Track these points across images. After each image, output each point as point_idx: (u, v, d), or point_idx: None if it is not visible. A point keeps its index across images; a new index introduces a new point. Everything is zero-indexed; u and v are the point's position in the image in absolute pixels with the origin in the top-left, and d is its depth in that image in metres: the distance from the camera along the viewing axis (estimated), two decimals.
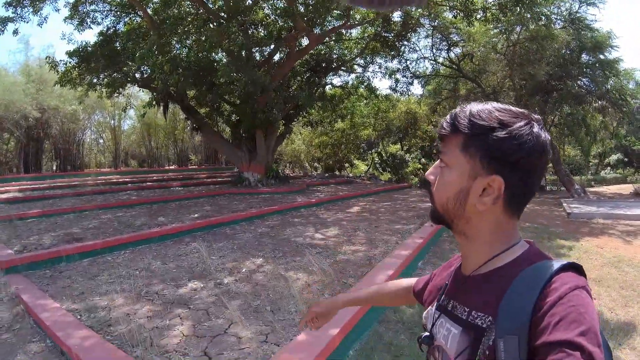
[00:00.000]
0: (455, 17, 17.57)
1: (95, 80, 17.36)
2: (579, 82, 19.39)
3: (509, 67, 19.26)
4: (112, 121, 28.51)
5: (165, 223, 10.05)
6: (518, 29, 17.70)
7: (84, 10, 16.78)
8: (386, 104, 25.30)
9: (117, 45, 16.18)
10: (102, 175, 23.26)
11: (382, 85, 71.44)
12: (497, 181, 0.94)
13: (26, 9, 15.10)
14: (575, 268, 0.91)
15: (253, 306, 5.15)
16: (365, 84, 22.93)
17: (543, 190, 22.10)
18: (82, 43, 16.36)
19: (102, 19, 17.50)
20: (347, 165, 30.51)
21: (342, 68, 22.08)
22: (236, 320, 4.65)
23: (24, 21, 15.35)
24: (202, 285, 6.02)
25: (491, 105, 0.98)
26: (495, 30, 18.66)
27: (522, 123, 0.93)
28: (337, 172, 29.03)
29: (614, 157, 36.82)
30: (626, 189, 22.73)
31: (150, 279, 6.34)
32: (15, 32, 15.69)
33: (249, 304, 5.23)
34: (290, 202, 14.04)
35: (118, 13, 17.50)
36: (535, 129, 0.94)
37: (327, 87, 22.95)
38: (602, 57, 18.13)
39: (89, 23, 17.26)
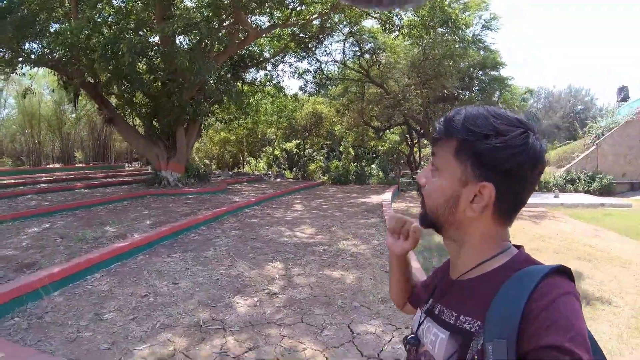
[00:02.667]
0: (382, 28, 17.59)
1: None
2: (472, 93, 21.88)
3: (420, 78, 20.13)
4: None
5: (122, 234, 8.13)
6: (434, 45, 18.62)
7: None
8: (293, 103, 24.59)
9: (22, 13, 12.84)
10: None
11: (290, 84, 71.02)
12: (488, 188, 0.90)
13: None
14: (564, 272, 0.86)
15: (352, 306, 4.93)
16: (274, 82, 22.13)
17: None
18: None
19: None
20: (245, 162, 29.18)
21: (261, 65, 21.01)
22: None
23: None
24: (256, 299, 5.23)
25: (487, 111, 0.92)
26: (408, 43, 19.38)
27: (517, 132, 0.89)
28: (239, 170, 27.77)
29: None
30: None
31: (179, 305, 5.03)
32: None
33: (341, 305, 4.96)
34: (227, 202, 12.79)
35: None
36: (531, 139, 0.89)
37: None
38: (496, 74, 20.96)
39: None
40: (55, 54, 13.82)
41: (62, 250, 6.95)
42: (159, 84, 15.90)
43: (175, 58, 12.70)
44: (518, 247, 0.99)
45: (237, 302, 5.13)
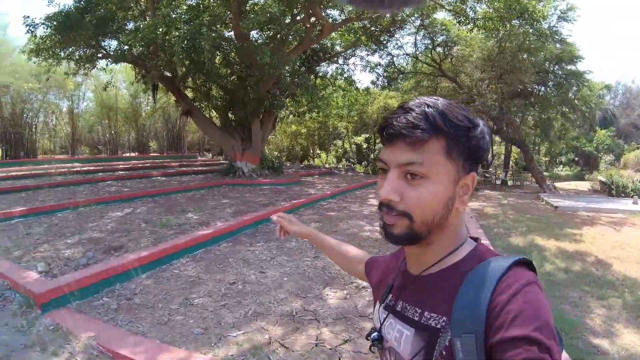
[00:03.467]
0: (457, 21, 16.93)
1: (69, 52, 14.88)
2: (548, 89, 20.94)
3: (494, 72, 19.41)
4: (69, 103, 24.84)
5: (205, 221, 8.21)
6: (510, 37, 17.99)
7: None
8: (365, 97, 24.23)
9: (100, 12, 13.62)
10: (61, 163, 20.28)
11: (362, 78, 71.57)
12: (473, 178, 0.92)
13: None
14: (526, 263, 0.87)
15: None
16: (345, 75, 21.86)
17: (505, 185, 23.29)
18: (64, 7, 13.71)
19: None
20: (315, 155, 29.30)
21: (333, 59, 20.76)
22: None
23: None
24: (345, 292, 5.09)
25: (448, 102, 0.91)
26: (482, 35, 18.70)
27: (482, 121, 0.92)
28: (308, 163, 27.94)
29: (565, 157, 38.02)
30: (582, 185, 24.17)
31: (269, 293, 4.99)
32: None
33: None
34: (303, 194, 12.75)
35: None
36: (487, 126, 0.92)
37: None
38: (573, 68, 19.93)
39: None
40: (134, 50, 14.35)
41: (148, 235, 7.08)
42: (235, 78, 16.14)
43: (255, 52, 12.85)
44: (475, 239, 0.98)
45: (327, 294, 4.97)
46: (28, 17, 13.58)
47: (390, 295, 1.06)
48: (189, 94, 17.81)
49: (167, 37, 12.11)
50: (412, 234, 0.90)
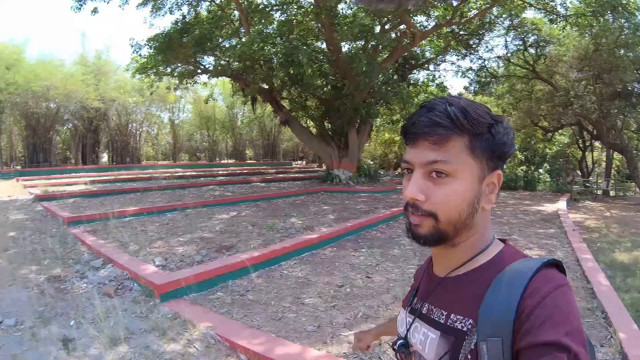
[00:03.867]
0: (548, 19, 16.33)
1: (171, 69, 16.18)
2: None
3: (592, 71, 17.88)
4: (170, 114, 26.92)
5: (309, 226, 8.31)
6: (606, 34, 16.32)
7: None
8: None
9: (197, 32, 14.61)
10: (164, 168, 21.66)
11: (454, 83, 70.04)
12: (499, 176, 0.90)
13: None
14: (556, 265, 0.84)
15: None
16: (437, 82, 21.36)
17: (607, 195, 21.40)
18: (164, 29, 14.93)
19: (178, 5, 15.84)
20: None
21: (423, 66, 20.52)
22: None
23: (104, 1, 13.85)
24: None
25: (469, 101, 0.88)
26: (575, 33, 17.36)
27: (503, 117, 0.90)
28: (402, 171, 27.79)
29: None
30: None
31: (376, 298, 4.88)
32: (95, 11, 14.28)
33: None
34: (402, 202, 12.29)
35: (190, 1, 15.84)
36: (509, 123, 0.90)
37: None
38: None
39: (164, 10, 15.76)
40: (232, 65, 15.16)
41: (256, 237, 7.24)
42: (329, 88, 16.37)
43: (352, 62, 12.93)
44: (503, 240, 0.95)
45: None
46: (133, 39, 14.90)
47: (416, 298, 1.04)
48: (286, 104, 18.35)
49: (263, 52, 12.55)
50: (438, 234, 0.88)
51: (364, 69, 12.52)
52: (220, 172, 19.89)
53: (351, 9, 14.98)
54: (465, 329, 0.84)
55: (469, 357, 0.81)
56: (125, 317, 4.17)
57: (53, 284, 5.01)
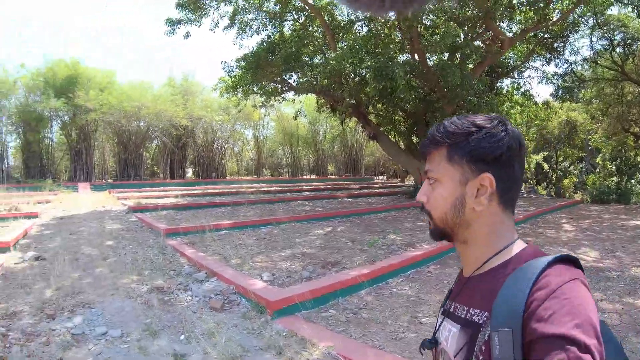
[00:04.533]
0: (638, 15, 15.10)
1: (258, 87, 16.67)
2: None
3: None
4: (254, 131, 27.76)
5: (410, 242, 7.96)
6: None
7: (242, 19, 16.02)
8: (546, 112, 21.80)
9: (281, 51, 14.99)
10: (247, 183, 22.11)
11: (539, 90, 66.90)
12: (488, 178, 0.94)
13: (197, 12, 14.39)
14: (570, 260, 0.87)
15: None
16: (522, 90, 20.04)
17: None
18: (252, 49, 15.58)
19: (263, 26, 16.57)
20: None
21: (510, 74, 19.50)
22: None
23: (196, 25, 14.61)
24: None
25: (464, 117, 0.99)
26: None
27: (495, 123, 0.95)
28: None
29: None
30: None
31: None
32: (187, 35, 14.97)
33: None
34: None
35: (274, 21, 16.40)
36: (508, 126, 0.96)
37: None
38: None
39: (250, 31, 16.54)
40: (320, 82, 15.18)
41: (359, 253, 7.02)
42: (418, 101, 15.99)
43: (445, 75, 12.61)
44: (526, 241, 0.98)
45: None
46: (225, 61, 15.63)
47: (448, 300, 1.08)
48: (373, 119, 18.25)
49: (354, 67, 12.48)
50: (436, 230, 1.01)
51: (458, 81, 12.16)
52: (304, 187, 19.96)
53: (436, 19, 14.70)
54: (481, 321, 0.88)
55: (483, 348, 0.83)
56: (237, 333, 4.05)
57: (157, 295, 5.02)
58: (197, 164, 25.13)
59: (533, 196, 21.59)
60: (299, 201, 14.70)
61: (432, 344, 1.06)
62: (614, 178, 20.96)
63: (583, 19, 17.14)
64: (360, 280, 5.33)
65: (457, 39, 12.35)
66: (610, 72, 20.38)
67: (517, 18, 15.58)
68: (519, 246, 0.96)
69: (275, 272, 5.80)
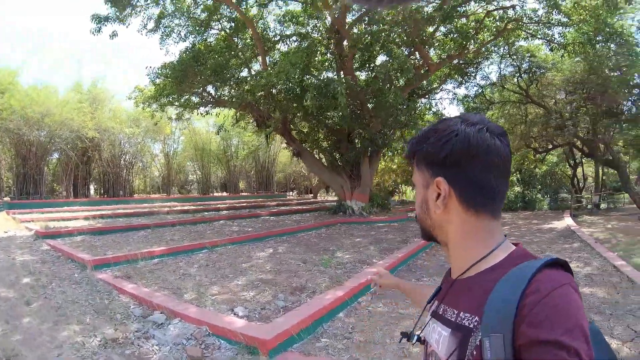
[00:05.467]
0: (550, 48, 16.99)
1: (184, 99, 15.77)
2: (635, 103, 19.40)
3: (585, 94, 18.56)
4: (164, 146, 26.09)
5: (361, 259, 7.88)
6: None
7: (167, 23, 14.97)
8: None
9: (208, 61, 14.32)
10: (159, 202, 20.83)
11: (450, 110, 70.61)
12: (440, 182, 0.94)
13: (125, 10, 13.21)
14: (560, 265, 0.86)
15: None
16: (434, 110, 21.39)
17: (597, 208, 21.91)
18: (179, 56, 14.57)
19: (187, 34, 15.48)
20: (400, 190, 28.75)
21: (428, 95, 20.57)
22: None
23: (124, 24, 13.47)
24: None
25: (430, 125, 1.01)
26: (570, 60, 17.94)
27: (443, 126, 0.94)
28: (400, 198, 27.46)
29: None
30: None
31: None
32: (114, 34, 13.77)
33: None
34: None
35: (199, 29, 15.39)
36: (463, 126, 0.92)
37: None
38: None
39: (176, 37, 15.45)
40: (250, 96, 14.56)
41: (319, 275, 6.76)
42: (346, 119, 16.07)
43: (381, 95, 13.17)
44: (516, 244, 0.98)
45: None
46: (150, 66, 14.47)
47: (436, 300, 1.07)
48: (296, 136, 18.02)
49: (287, 83, 12.25)
50: (421, 232, 1.05)
51: (391, 99, 12.60)
52: (219, 205, 19.12)
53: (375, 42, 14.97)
54: (471, 325, 0.86)
55: (474, 352, 0.82)
56: None
57: (114, 350, 4.07)
58: (102, 180, 22.86)
59: None
60: (221, 221, 13.97)
61: (420, 340, 1.06)
62: (517, 188, 23.39)
63: (495, 48, 18.64)
64: (338, 303, 5.12)
65: (404, 62, 12.79)
66: (515, 95, 22.26)
67: (447, 46, 16.56)
68: (506, 249, 0.94)
69: (244, 304, 5.27)
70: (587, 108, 18.87)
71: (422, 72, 15.88)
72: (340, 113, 12.78)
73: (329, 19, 14.15)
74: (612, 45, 16.37)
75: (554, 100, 21.16)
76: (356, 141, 16.51)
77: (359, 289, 5.73)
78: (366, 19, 13.82)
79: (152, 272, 7.01)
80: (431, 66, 15.24)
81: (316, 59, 14.40)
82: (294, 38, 15.37)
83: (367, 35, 13.72)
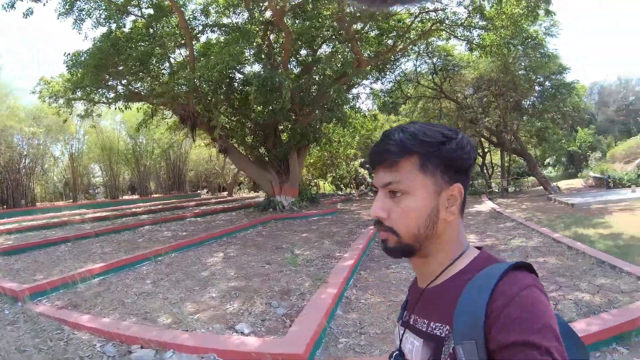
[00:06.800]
0: (469, 49, 18.11)
1: (101, 92, 14.30)
2: (545, 101, 21.76)
3: (497, 90, 20.51)
4: (64, 146, 23.45)
5: (325, 254, 7.73)
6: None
7: (82, 6, 13.17)
8: (373, 123, 23.60)
9: (128, 50, 12.99)
10: (68, 210, 18.82)
11: (369, 104, 71.58)
12: (459, 188, 0.93)
13: None
14: (524, 267, 0.87)
15: None
16: (352, 104, 21.32)
17: (506, 191, 23.91)
18: (97, 42, 12.99)
19: (104, 20, 13.59)
20: (314, 184, 28.70)
21: (352, 89, 20.31)
22: None
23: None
24: None
25: (421, 124, 0.96)
26: (486, 60, 19.49)
27: (460, 135, 0.94)
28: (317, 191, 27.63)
29: (553, 159, 39.08)
30: (576, 183, 25.12)
31: None
32: (29, 12, 12.02)
33: None
34: (359, 221, 12.57)
35: (115, 14, 13.42)
36: (467, 138, 0.95)
37: None
38: (561, 78, 21.30)
39: (91, 22, 13.61)
40: (180, 90, 13.48)
41: (295, 275, 6.45)
42: (280, 113, 15.22)
43: (325, 89, 13.10)
44: (479, 247, 0.98)
45: None
46: (68, 54, 12.79)
47: (405, 311, 1.07)
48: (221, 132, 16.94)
49: (220, 76, 11.56)
50: (403, 247, 0.93)
51: (334, 95, 12.70)
52: (135, 210, 17.70)
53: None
54: (443, 334, 0.86)
55: None
56: None
57: None
58: (1, 188, 19.92)
59: (368, 198, 23.74)
60: (146, 227, 12.80)
61: (401, 356, 1.01)
62: None
63: (416, 47, 19.41)
64: (335, 301, 5.00)
65: (348, 61, 13.00)
66: (430, 91, 23.60)
67: (376, 43, 16.84)
68: (471, 254, 0.95)
69: (239, 318, 4.76)
70: (498, 103, 20.47)
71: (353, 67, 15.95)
72: (281, 107, 12.35)
73: (269, 10, 13.59)
74: (520, 48, 17.98)
75: (463, 96, 22.92)
76: (286, 135, 16.11)
77: (344, 285, 5.57)
78: (301, 12, 13.50)
79: (100, 295, 5.91)
80: (362, 62, 15.25)
81: (250, 51, 13.63)
82: (225, 29, 14.33)
83: (310, 29, 13.45)
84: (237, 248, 8.97)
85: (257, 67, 15.24)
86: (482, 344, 0.75)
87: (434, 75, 22.21)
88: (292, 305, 5.06)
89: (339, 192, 27.51)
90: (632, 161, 22.96)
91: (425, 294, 0.98)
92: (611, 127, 37.19)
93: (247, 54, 13.54)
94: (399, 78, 21.73)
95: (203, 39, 15.57)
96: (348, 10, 13.23)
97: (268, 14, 14.10)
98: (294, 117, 14.49)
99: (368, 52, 16.37)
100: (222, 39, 13.87)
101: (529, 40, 17.11)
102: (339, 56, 12.83)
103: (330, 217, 13.86)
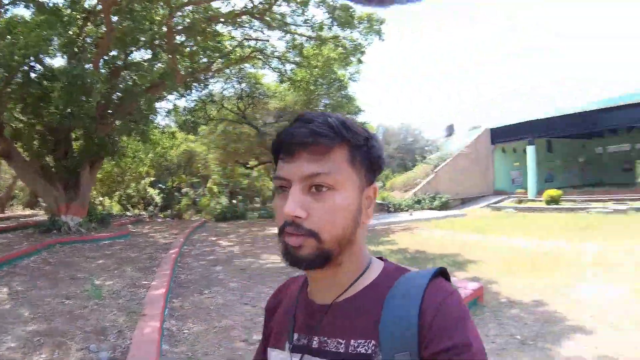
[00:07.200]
0: (280, 80, 19.47)
1: None
2: None
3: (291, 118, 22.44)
4: None
5: (131, 283, 7.22)
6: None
7: None
8: (171, 141, 23.09)
9: None
10: None
11: (168, 121, 63.74)
12: (375, 189, 0.90)
13: None
14: (442, 273, 0.87)
15: None
16: (156, 117, 20.18)
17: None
18: None
19: None
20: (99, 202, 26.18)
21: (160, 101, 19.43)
22: None
23: None
24: None
25: (343, 116, 0.88)
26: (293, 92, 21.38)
27: (376, 134, 0.91)
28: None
29: None
30: None
31: None
32: None
33: None
34: (157, 245, 12.35)
35: None
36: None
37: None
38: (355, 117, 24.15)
39: None
40: None
41: (104, 310, 5.92)
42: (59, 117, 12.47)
43: (133, 98, 12.62)
44: (380, 258, 0.97)
45: None
46: None
47: (296, 333, 0.93)
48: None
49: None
50: (322, 254, 0.82)
51: (144, 107, 12.40)
52: None
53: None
54: (369, 351, 0.80)
55: None
56: None
57: None
58: None
59: (159, 220, 22.94)
60: None
61: None
62: (223, 200, 25.56)
63: (228, 70, 19.79)
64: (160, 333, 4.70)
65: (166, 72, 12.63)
66: (232, 114, 23.78)
67: (196, 59, 16.29)
68: (378, 263, 0.92)
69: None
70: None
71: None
72: (86, 112, 11.16)
73: None
74: (325, 87, 20.05)
75: (264, 122, 23.75)
76: (78, 145, 14.23)
77: (162, 316, 5.36)
78: (130, 10, 11.99)
79: None
80: (179, 76, 14.55)
81: (60, 40, 11.41)
82: (41, 8, 11.34)
83: (135, 30, 12.12)
84: (24, 280, 7.67)
85: (60, 60, 13.41)
86: (416, 354, 0.74)
87: (240, 100, 23.01)
88: (114, 347, 4.63)
89: (128, 213, 25.69)
90: (409, 190, 26.93)
91: (334, 309, 0.88)
92: (391, 162, 42.48)
93: (55, 43, 11.42)
94: (203, 98, 21.67)
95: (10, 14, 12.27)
96: (176, 20, 12.93)
97: (94, 1, 12.77)
98: (94, 125, 12.79)
99: (184, 67, 16.08)
100: (32, 18, 11.38)
101: (336, 81, 19.40)
102: (160, 65, 12.07)
103: (123, 240, 12.91)
